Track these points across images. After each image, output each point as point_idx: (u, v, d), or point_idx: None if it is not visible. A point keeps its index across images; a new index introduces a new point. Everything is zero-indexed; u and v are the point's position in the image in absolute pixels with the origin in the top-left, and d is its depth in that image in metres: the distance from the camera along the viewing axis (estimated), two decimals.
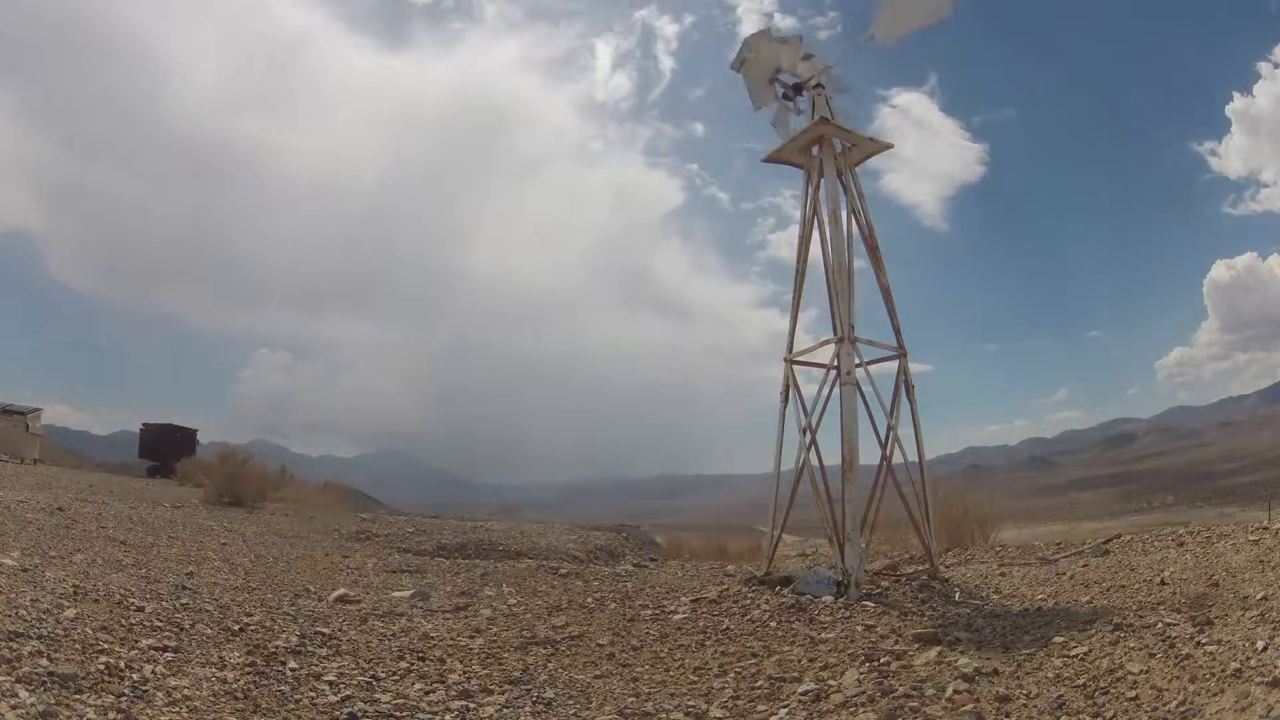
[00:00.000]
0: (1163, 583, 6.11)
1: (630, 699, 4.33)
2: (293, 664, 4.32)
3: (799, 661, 4.97)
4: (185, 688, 3.60)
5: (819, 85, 8.08)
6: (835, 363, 7.53)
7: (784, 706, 4.15)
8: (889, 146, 8.23)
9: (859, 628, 5.72)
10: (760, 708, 4.16)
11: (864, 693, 4.17)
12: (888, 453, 7.80)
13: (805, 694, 4.27)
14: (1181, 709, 3.49)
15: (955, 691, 4.04)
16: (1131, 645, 4.48)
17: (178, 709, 3.36)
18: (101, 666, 3.57)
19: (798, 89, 8.21)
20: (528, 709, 4.08)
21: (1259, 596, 4.94)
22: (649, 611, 6.84)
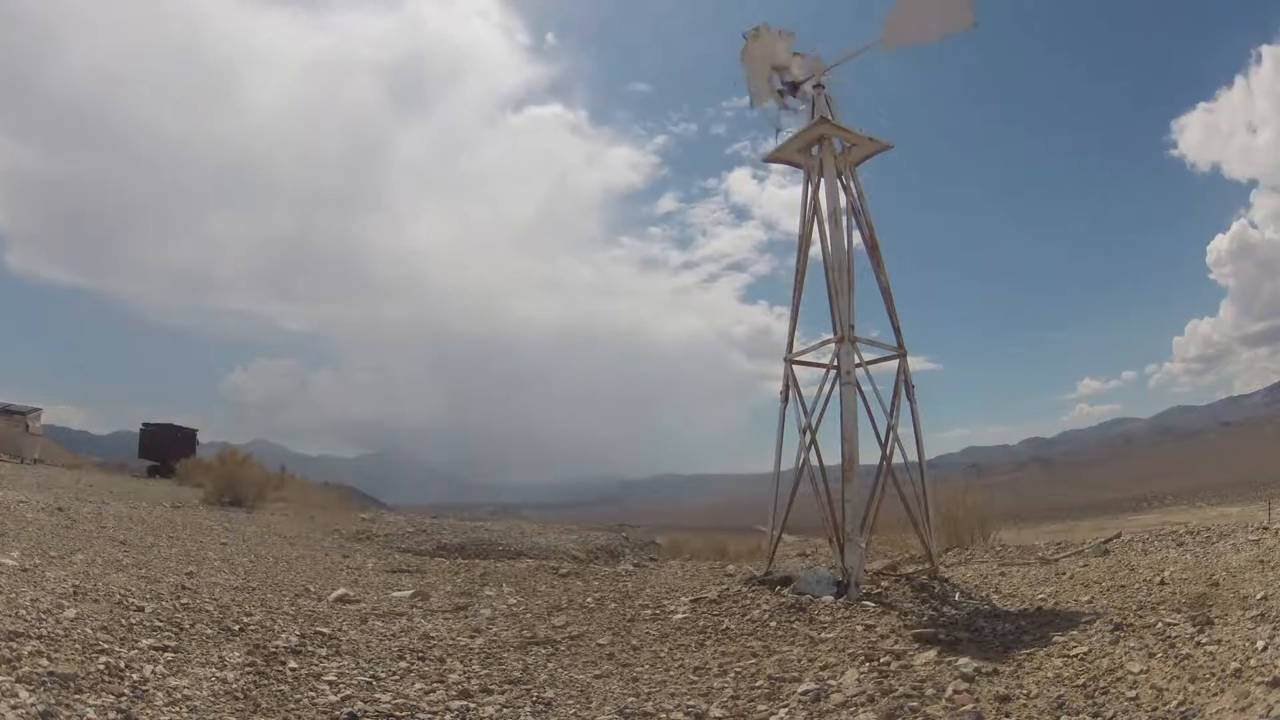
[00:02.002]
0: (1163, 583, 6.10)
1: (630, 699, 4.33)
2: (293, 664, 4.32)
3: (799, 661, 4.97)
4: (185, 688, 3.60)
5: (819, 85, 8.08)
6: (835, 363, 7.52)
7: (784, 706, 4.15)
8: (889, 146, 8.22)
9: (859, 628, 5.72)
10: (760, 708, 4.16)
11: (864, 693, 4.17)
12: (888, 453, 7.80)
13: (805, 694, 4.27)
14: (1181, 709, 3.49)
15: (955, 691, 4.04)
16: (1131, 645, 4.48)
17: (178, 709, 3.36)
18: (101, 666, 3.57)
19: (794, 88, 8.20)
20: (528, 709, 4.08)
21: (1259, 596, 4.94)
22: (649, 611, 6.84)
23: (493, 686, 4.40)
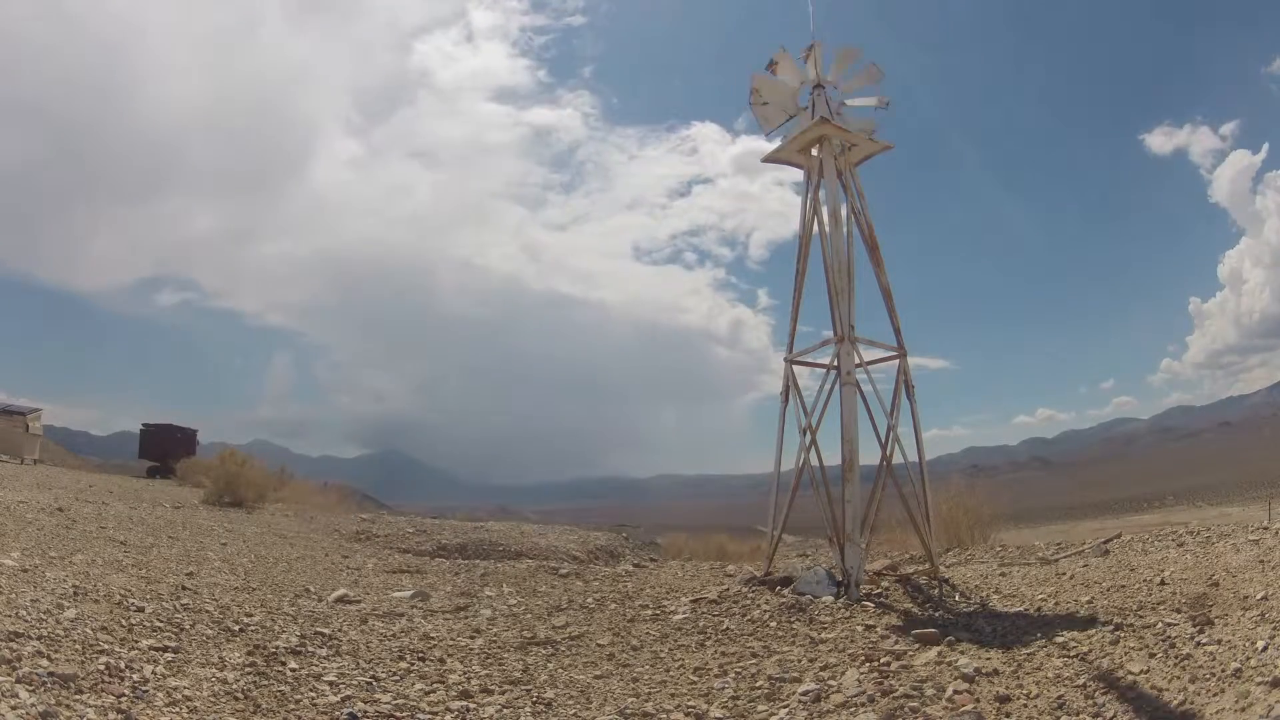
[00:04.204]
0: (1163, 583, 6.10)
1: (630, 699, 4.34)
2: (293, 664, 4.32)
3: (799, 661, 4.97)
4: (185, 688, 3.60)
5: (819, 86, 8.09)
6: (835, 363, 7.53)
7: (784, 706, 4.15)
8: (889, 147, 8.23)
9: (859, 628, 5.73)
10: (760, 708, 4.17)
11: (864, 693, 4.17)
12: (888, 453, 7.80)
13: (805, 694, 4.27)
14: (1181, 709, 3.49)
15: (955, 691, 4.05)
16: (1131, 645, 4.48)
17: (178, 709, 3.36)
18: (101, 666, 3.57)
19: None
20: (528, 709, 4.08)
21: (1259, 596, 4.93)
22: (649, 611, 6.84)
23: (493, 687, 4.41)
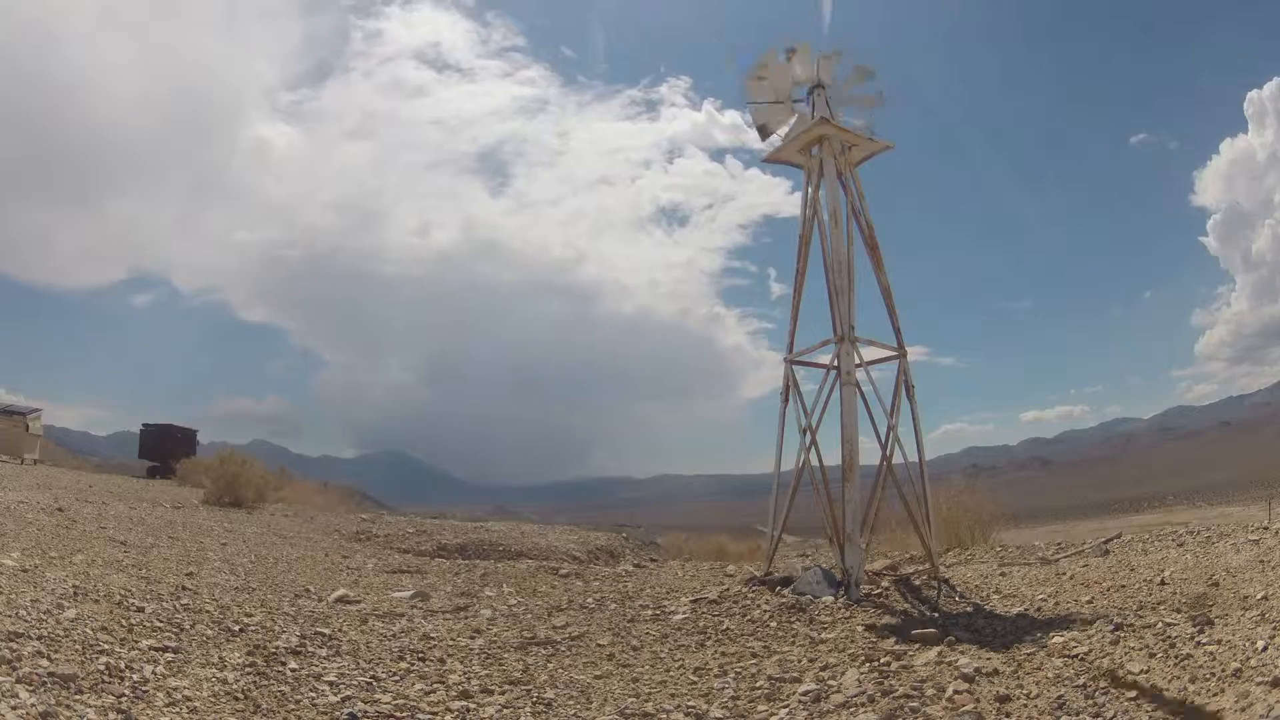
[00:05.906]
0: (1163, 583, 6.11)
1: (630, 699, 4.34)
2: (293, 664, 4.32)
3: (799, 661, 4.97)
4: (185, 688, 3.60)
5: (820, 85, 8.10)
6: (835, 363, 7.54)
7: (784, 706, 4.15)
8: (889, 146, 8.25)
9: (859, 628, 5.73)
10: (760, 708, 4.17)
11: (864, 693, 4.17)
12: (888, 453, 7.81)
13: (805, 694, 4.27)
14: (1182, 709, 3.49)
15: (955, 691, 4.05)
16: (1131, 645, 4.48)
17: (178, 709, 3.36)
18: (101, 666, 3.57)
19: (810, 92, 8.20)
20: (528, 709, 4.08)
21: (1259, 596, 4.94)
22: (649, 612, 6.84)
23: (493, 687, 4.41)
